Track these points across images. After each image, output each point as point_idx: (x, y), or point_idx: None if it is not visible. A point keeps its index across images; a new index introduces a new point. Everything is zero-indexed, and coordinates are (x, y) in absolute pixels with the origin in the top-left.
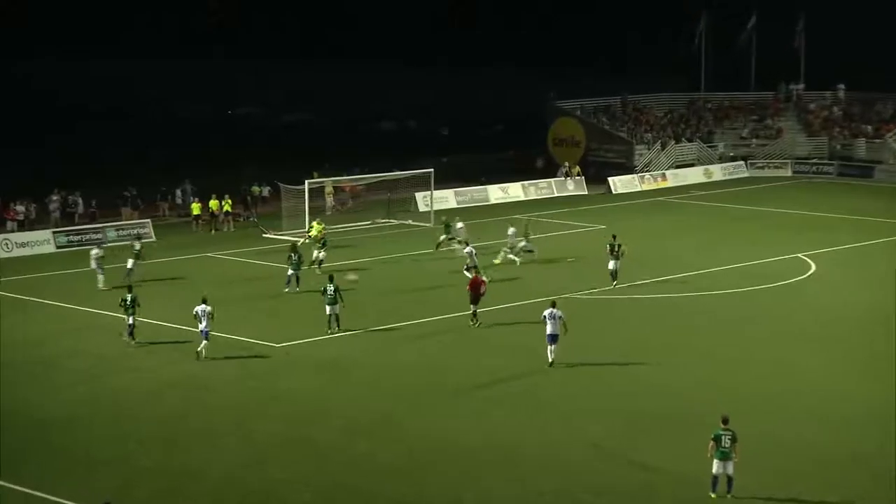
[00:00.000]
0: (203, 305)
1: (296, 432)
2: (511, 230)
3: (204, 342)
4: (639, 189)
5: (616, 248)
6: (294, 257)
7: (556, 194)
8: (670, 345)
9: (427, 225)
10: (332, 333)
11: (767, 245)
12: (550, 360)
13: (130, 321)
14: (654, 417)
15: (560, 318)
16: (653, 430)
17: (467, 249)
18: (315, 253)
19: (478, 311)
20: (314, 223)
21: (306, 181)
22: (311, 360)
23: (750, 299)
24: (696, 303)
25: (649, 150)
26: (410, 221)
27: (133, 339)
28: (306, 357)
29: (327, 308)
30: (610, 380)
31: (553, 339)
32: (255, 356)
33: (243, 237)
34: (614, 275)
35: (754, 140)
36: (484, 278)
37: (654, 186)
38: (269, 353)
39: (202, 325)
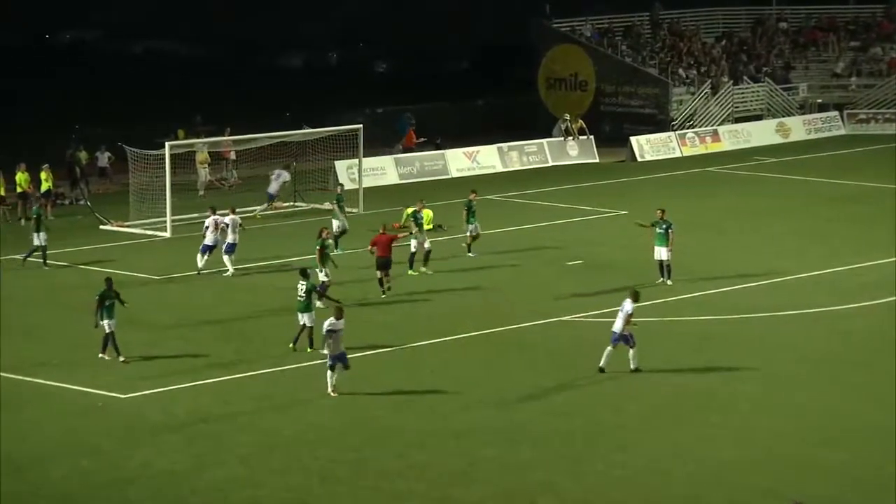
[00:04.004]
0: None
1: None
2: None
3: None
4: (677, 154)
5: (666, 229)
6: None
7: (552, 163)
8: (720, 398)
9: (354, 210)
10: (295, 350)
11: (873, 241)
12: (602, 363)
13: (108, 328)
14: None
15: (629, 313)
16: None
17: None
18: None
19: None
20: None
21: (167, 143)
22: (181, 418)
23: (844, 324)
24: (762, 329)
25: (693, 95)
26: (328, 205)
27: (118, 353)
28: (175, 413)
29: (298, 317)
30: (625, 449)
31: (622, 339)
32: (92, 414)
33: (70, 229)
34: (665, 268)
35: (854, 79)
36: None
37: (700, 150)
38: (115, 409)
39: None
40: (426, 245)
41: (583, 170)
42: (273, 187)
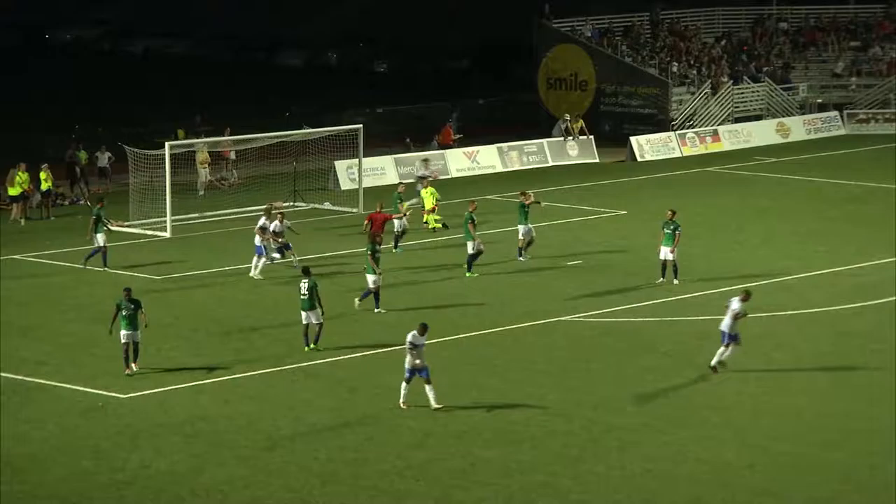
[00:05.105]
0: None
1: None
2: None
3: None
4: (677, 154)
5: (673, 230)
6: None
7: (552, 163)
8: (720, 398)
9: (354, 210)
10: (311, 349)
11: (873, 241)
12: (714, 362)
13: (123, 339)
14: None
15: (737, 313)
16: None
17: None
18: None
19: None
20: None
21: (167, 143)
22: (180, 418)
23: (844, 324)
24: (762, 329)
25: (693, 95)
26: (328, 205)
27: (126, 363)
28: (175, 413)
29: (302, 315)
30: (625, 450)
31: (726, 338)
32: (92, 414)
33: (70, 228)
34: (672, 268)
35: (854, 78)
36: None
37: (700, 150)
38: (115, 409)
39: (409, 363)
40: (481, 246)
41: (583, 170)
42: (418, 185)
